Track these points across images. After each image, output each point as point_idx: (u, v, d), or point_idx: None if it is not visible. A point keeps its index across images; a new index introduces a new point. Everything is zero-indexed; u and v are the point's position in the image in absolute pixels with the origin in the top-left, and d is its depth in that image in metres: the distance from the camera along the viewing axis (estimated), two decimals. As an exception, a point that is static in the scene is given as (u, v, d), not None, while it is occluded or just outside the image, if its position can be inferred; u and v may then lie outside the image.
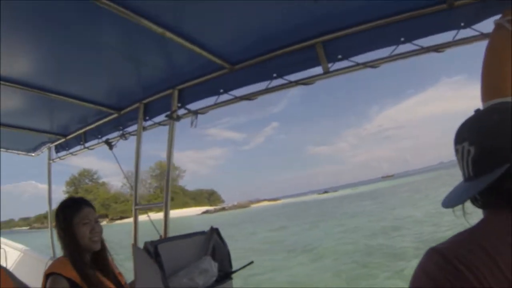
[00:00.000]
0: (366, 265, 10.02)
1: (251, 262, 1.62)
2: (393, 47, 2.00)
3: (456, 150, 0.84)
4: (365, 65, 2.06)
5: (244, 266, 1.60)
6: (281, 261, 12.85)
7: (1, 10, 1.64)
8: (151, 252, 1.27)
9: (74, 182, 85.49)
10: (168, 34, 1.92)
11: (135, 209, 2.98)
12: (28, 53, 2.23)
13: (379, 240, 13.34)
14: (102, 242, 1.82)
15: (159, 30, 1.87)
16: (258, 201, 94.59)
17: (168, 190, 2.86)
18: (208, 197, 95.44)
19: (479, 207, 0.82)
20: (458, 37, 1.84)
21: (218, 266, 1.55)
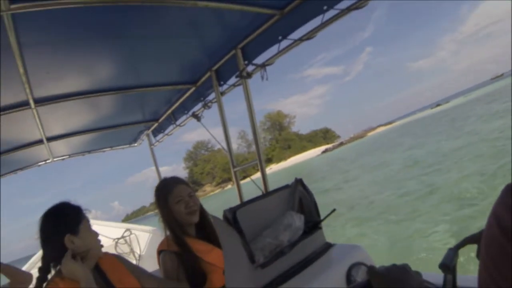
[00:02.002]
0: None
1: (334, 210, 1.54)
2: None
3: None
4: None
5: (328, 215, 1.54)
6: (440, 174, 11.58)
7: (83, 38, 1.97)
8: (230, 219, 1.29)
9: (191, 156, 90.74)
10: (201, 4, 1.93)
11: (234, 172, 3.12)
12: (107, 64, 2.55)
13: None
14: (202, 213, 1.94)
15: (190, 2, 1.90)
16: (372, 128, 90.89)
17: (258, 147, 2.90)
18: (323, 136, 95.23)
19: None
20: None
21: (307, 217, 1.51)
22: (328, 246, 1.52)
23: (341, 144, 76.59)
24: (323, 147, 79.29)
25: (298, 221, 1.42)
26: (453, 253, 1.03)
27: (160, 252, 1.77)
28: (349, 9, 1.99)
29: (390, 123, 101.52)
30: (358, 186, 15.98)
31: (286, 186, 1.66)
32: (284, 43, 2.46)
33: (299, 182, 1.66)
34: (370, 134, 79.44)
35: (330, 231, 9.89)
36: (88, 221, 1.47)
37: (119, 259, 1.62)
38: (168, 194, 1.83)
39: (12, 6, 1.40)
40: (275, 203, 1.55)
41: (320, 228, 1.55)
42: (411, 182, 12.52)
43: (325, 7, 2.06)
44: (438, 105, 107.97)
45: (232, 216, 1.29)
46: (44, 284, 1.36)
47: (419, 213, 8.62)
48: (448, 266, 1.01)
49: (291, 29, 2.36)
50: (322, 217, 1.54)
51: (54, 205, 1.43)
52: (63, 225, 1.37)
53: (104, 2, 1.68)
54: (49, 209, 1.42)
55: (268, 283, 1.29)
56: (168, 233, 1.86)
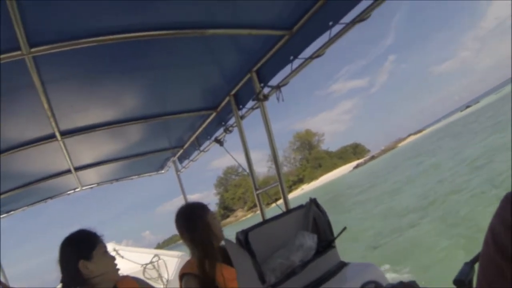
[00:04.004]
0: None
1: (345, 228, 1.52)
2: None
3: None
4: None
5: (340, 233, 1.53)
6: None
7: (104, 72, 2.16)
8: (242, 241, 1.31)
9: (221, 182, 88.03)
10: (208, 32, 2.03)
11: (257, 194, 3.15)
12: (131, 94, 2.73)
13: None
14: None
15: (198, 32, 2.00)
16: (403, 139, 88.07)
17: (278, 168, 2.93)
18: (353, 151, 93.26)
19: None
20: None
21: (321, 237, 1.51)
22: (342, 265, 1.51)
23: (373, 157, 74.80)
24: (354, 163, 77.67)
25: (310, 240, 1.42)
26: (468, 267, 1.00)
27: (182, 275, 1.80)
28: (353, 22, 2.01)
29: (420, 131, 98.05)
30: (417, 189, 15.02)
31: (301, 207, 1.67)
32: (296, 63, 2.51)
33: (313, 202, 1.66)
34: (401, 144, 77.26)
35: (409, 244, 9.02)
36: (103, 246, 1.54)
37: (138, 282, 1.67)
38: (206, 212, 1.90)
39: (33, 50, 1.54)
40: (289, 223, 1.57)
41: (334, 247, 1.55)
42: (477, 180, 11.50)
43: (330, 23, 2.10)
44: (467, 106, 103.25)
45: (244, 238, 1.32)
46: None
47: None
48: (464, 281, 0.98)
49: (301, 48, 2.41)
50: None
51: (70, 233, 1.52)
52: (77, 251, 1.45)
53: (120, 39, 1.79)
54: (66, 237, 1.50)
55: (280, 303, 1.30)
56: (191, 257, 1.89)
